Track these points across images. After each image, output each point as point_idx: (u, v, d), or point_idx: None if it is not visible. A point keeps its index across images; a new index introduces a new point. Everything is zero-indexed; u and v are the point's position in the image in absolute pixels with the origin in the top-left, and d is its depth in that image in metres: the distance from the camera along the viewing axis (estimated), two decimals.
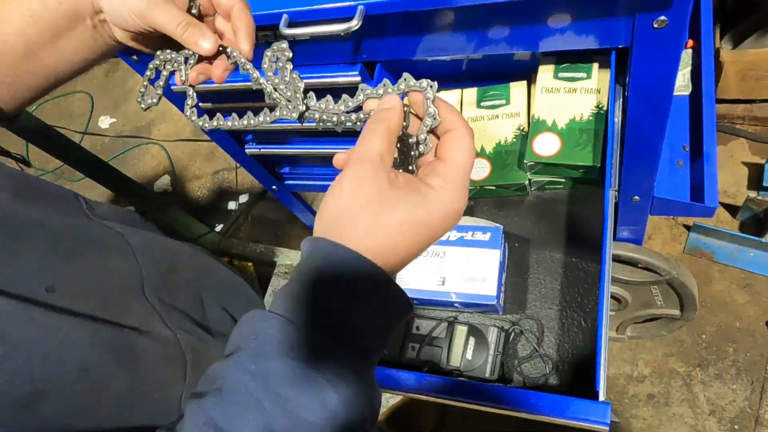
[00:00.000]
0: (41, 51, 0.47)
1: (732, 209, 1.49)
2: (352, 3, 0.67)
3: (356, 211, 0.35)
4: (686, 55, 1.17)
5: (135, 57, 0.91)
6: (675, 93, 1.18)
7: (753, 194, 1.39)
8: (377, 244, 0.35)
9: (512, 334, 0.72)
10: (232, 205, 2.12)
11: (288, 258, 1.78)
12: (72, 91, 2.79)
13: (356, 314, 0.34)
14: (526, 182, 0.78)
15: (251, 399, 0.31)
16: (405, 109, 0.39)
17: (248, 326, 0.35)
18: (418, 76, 0.96)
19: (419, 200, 0.36)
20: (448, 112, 0.39)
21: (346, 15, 0.67)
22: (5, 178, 0.50)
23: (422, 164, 0.40)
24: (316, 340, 0.33)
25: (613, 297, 1.25)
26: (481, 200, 0.83)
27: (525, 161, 0.75)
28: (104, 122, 2.61)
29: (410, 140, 0.39)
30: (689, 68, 1.16)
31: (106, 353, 0.44)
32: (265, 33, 0.78)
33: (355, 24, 0.66)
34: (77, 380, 0.40)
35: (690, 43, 1.18)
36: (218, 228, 2.04)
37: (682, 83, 1.16)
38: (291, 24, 0.70)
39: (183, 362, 0.51)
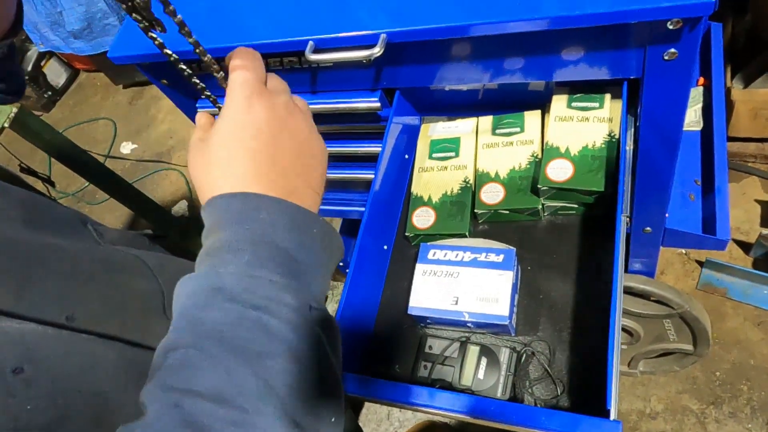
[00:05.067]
0: None
1: (745, 246, 1.49)
2: (376, 31, 0.70)
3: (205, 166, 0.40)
4: (697, 93, 1.20)
5: (165, 81, 0.95)
6: (687, 128, 1.20)
7: (766, 231, 1.39)
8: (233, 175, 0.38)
9: (524, 355, 0.73)
10: None
11: None
12: (96, 118, 2.88)
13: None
14: (539, 207, 0.79)
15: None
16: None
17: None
18: (435, 105, 0.99)
19: (216, 125, 0.40)
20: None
21: (369, 42, 0.71)
22: (15, 205, 0.50)
23: None
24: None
25: (625, 330, 1.25)
26: (494, 224, 0.84)
27: (538, 186, 0.77)
28: (126, 148, 2.68)
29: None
30: (700, 105, 1.19)
31: (127, 374, 0.44)
32: (291, 59, 0.82)
33: (377, 51, 0.69)
34: (91, 406, 0.40)
35: (701, 80, 1.21)
36: None
37: (694, 119, 1.18)
38: (316, 50, 0.74)
39: None
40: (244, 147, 0.38)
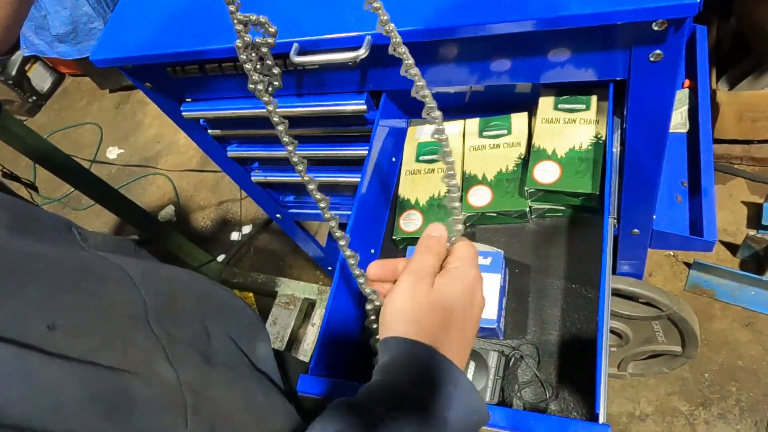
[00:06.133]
0: None
1: (732, 248, 1.50)
2: (361, 33, 0.70)
3: (419, 311, 0.47)
4: (683, 95, 1.21)
5: (149, 84, 0.93)
6: (673, 130, 1.21)
7: (752, 232, 1.40)
8: (438, 333, 0.46)
9: (512, 359, 0.72)
10: (235, 236, 2.14)
11: (288, 288, 1.78)
12: (82, 123, 2.85)
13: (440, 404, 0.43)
14: (527, 209, 0.79)
15: None
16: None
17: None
18: (422, 107, 0.98)
19: (450, 281, 0.49)
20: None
21: (354, 45, 0.70)
22: (1, 211, 0.49)
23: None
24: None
25: (614, 332, 1.25)
26: (482, 226, 0.84)
27: (525, 188, 0.76)
28: (112, 153, 2.65)
29: None
30: (686, 107, 1.19)
31: (98, 409, 0.42)
32: (276, 61, 0.81)
33: (363, 52, 0.69)
34: None
35: (687, 83, 1.21)
36: (220, 258, 2.05)
37: (680, 121, 1.19)
38: (301, 52, 0.73)
39: (183, 407, 0.48)
40: (459, 320, 0.47)
